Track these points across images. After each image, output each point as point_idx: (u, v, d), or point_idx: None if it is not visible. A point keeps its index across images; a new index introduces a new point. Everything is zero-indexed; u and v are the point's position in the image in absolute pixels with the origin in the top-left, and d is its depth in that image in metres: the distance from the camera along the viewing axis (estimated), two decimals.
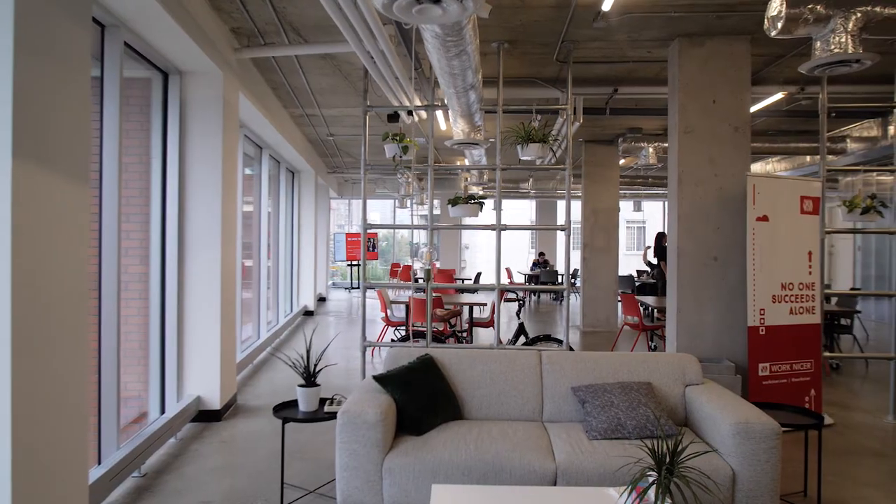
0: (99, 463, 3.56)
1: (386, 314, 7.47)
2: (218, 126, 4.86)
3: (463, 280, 12.42)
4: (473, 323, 7.54)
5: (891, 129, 6.16)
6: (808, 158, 8.05)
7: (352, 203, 18.64)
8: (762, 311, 4.78)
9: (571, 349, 5.40)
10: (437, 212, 12.55)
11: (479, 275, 13.02)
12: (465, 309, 7.61)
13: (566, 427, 3.36)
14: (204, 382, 4.87)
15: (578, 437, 3.18)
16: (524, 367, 3.65)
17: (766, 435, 2.90)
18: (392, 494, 2.94)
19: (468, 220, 15.34)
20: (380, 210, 27.42)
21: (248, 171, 8.38)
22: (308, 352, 3.53)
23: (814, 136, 7.92)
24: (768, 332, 4.79)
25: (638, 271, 13.69)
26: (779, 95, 5.94)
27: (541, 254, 14.97)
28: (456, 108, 5.17)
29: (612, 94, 6.32)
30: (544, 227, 5.55)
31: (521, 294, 6.50)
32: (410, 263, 15.59)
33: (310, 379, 3.49)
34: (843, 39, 3.22)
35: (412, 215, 16.12)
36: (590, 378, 3.57)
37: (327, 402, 3.52)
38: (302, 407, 3.45)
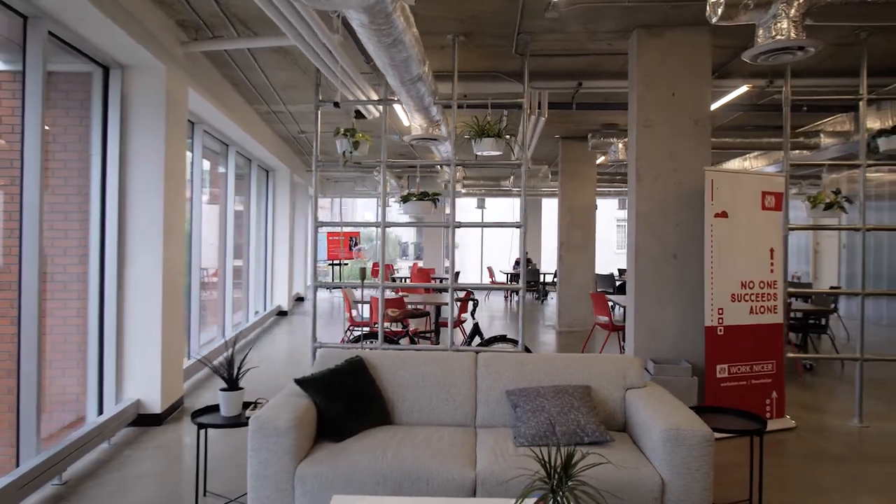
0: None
1: (350, 314, 7.32)
2: (160, 121, 4.70)
3: (441, 280, 12.28)
4: (440, 323, 7.39)
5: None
6: (782, 154, 7.87)
7: (334, 202, 18.45)
8: (720, 311, 4.62)
9: (528, 350, 5.24)
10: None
11: (457, 274, 12.86)
12: (437, 307, 7.47)
13: (497, 433, 3.21)
14: (144, 385, 4.71)
15: (506, 443, 3.03)
16: (458, 369, 3.49)
17: (697, 442, 2.74)
18: None
19: (432, 217, 15.13)
20: (370, 208, 27.19)
21: (220, 170, 8.24)
22: (232, 353, 3.37)
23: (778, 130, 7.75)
24: (727, 333, 4.64)
25: (619, 270, 13.54)
26: (743, 88, 5.78)
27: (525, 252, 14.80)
28: (409, 103, 5.02)
29: (576, 88, 6.17)
30: (498, 223, 5.38)
31: (475, 293, 6.30)
32: (391, 263, 15.41)
33: (232, 382, 3.34)
34: (784, 26, 3.07)
35: (403, 214, 15.93)
36: (526, 381, 3.42)
37: (251, 406, 3.38)
38: (223, 412, 3.30)
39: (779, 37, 3.10)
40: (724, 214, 4.65)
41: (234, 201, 8.89)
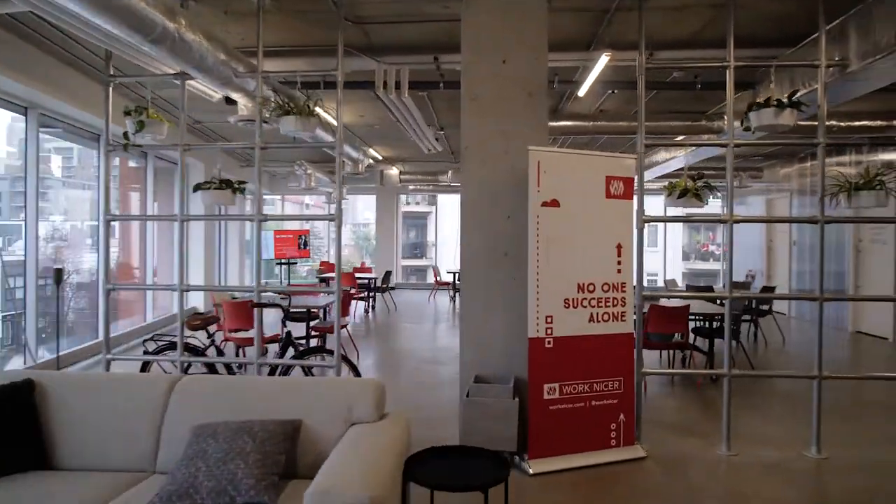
0: None
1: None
2: None
3: (375, 280, 11.54)
4: (316, 329, 6.70)
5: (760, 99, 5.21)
6: (705, 137, 7.07)
7: (286, 199, 17.72)
8: (549, 319, 3.86)
9: (352, 365, 4.52)
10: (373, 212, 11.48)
11: (388, 273, 12.12)
12: (332, 310, 6.77)
13: (159, 484, 2.48)
14: None
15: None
16: (146, 398, 2.77)
17: None
18: None
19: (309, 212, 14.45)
20: (371, 207, 26.00)
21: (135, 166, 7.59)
22: None
23: (698, 115, 6.99)
24: (558, 345, 3.88)
25: None
26: (604, 60, 4.98)
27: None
28: (199, 74, 4.31)
29: (435, 63, 5.42)
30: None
31: (281, 298, 5.49)
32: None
33: None
34: None
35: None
36: (228, 413, 2.67)
37: None
38: None
39: None
40: (554, 203, 3.88)
41: (116, 195, 8.24)
